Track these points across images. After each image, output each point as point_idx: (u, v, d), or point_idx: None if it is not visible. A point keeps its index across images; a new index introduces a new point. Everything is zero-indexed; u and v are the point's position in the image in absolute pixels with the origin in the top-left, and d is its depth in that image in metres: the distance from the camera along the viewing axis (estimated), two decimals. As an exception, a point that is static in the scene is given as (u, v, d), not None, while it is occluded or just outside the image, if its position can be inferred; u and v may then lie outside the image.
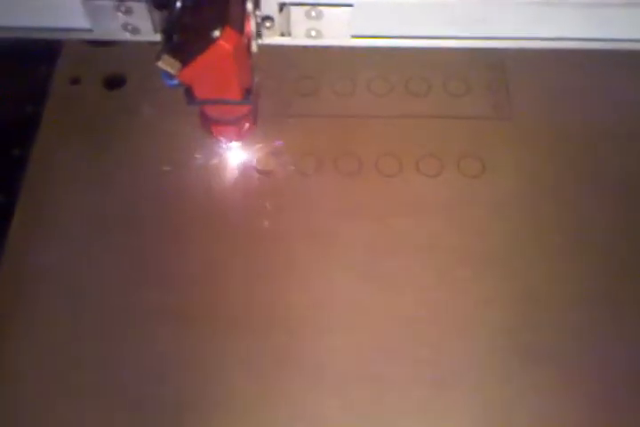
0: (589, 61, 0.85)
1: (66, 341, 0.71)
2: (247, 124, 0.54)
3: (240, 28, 0.42)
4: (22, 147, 0.81)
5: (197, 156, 0.79)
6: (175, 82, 0.43)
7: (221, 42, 0.41)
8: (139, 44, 0.85)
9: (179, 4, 0.42)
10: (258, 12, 0.45)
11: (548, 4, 0.46)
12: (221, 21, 0.41)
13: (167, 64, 0.42)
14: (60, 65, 0.88)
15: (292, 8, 0.45)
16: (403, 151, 0.83)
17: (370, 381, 0.70)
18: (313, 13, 0.46)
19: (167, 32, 0.42)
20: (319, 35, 0.47)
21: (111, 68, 0.88)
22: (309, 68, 0.88)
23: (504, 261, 0.76)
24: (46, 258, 0.75)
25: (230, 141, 0.60)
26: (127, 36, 0.48)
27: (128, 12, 0.46)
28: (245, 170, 0.81)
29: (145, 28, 0.47)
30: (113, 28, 0.47)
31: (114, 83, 0.88)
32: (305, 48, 0.50)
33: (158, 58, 0.42)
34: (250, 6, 0.43)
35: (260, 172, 0.81)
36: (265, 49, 0.49)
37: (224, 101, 0.48)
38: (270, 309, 0.73)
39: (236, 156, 0.80)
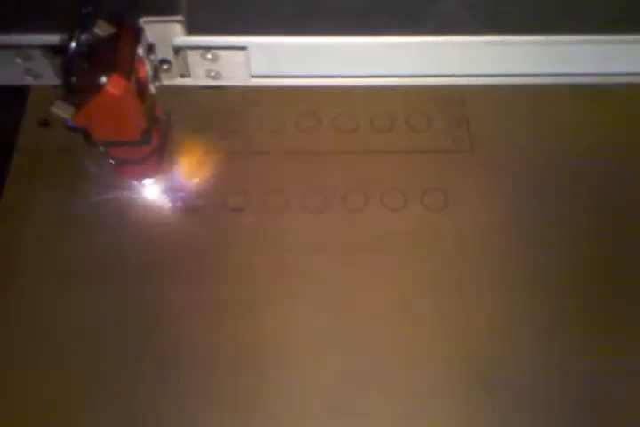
0: (545, 94, 0.87)
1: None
2: (154, 163, 0.55)
3: (128, 73, 0.43)
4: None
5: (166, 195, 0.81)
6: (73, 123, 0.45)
7: (108, 88, 0.42)
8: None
9: (73, 47, 0.43)
10: (152, 57, 0.47)
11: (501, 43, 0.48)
12: (109, 68, 0.42)
13: (60, 109, 0.44)
14: (29, 108, 0.91)
15: (188, 51, 0.46)
16: (368, 186, 0.85)
17: (342, 414, 0.71)
18: (209, 56, 0.46)
19: (65, 75, 0.44)
20: (218, 76, 0.48)
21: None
22: (273, 105, 0.90)
23: (468, 291, 0.77)
24: (17, 301, 0.77)
25: (138, 180, 0.62)
26: (30, 81, 0.49)
27: (27, 58, 0.47)
28: (216, 207, 0.83)
29: (47, 73, 0.48)
30: (16, 73, 0.48)
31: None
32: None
33: (52, 103, 0.43)
34: (141, 51, 0.45)
35: (231, 209, 0.83)
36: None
37: (123, 143, 0.49)
38: (241, 346, 0.74)
39: (204, 193, 0.82)
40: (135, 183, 0.65)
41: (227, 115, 0.89)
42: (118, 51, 0.43)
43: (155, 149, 0.53)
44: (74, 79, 0.43)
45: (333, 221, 0.82)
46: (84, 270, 0.78)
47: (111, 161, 0.55)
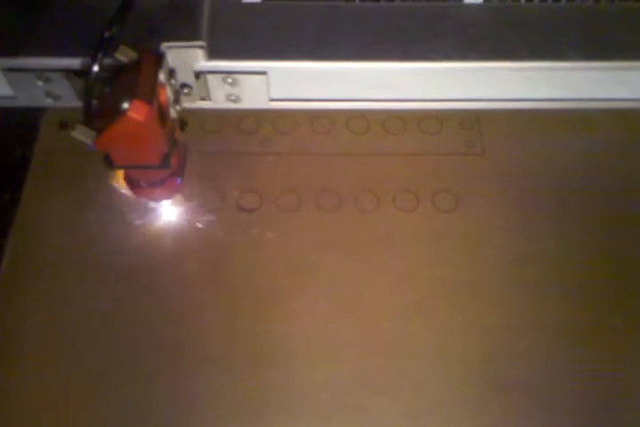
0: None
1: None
2: (171, 185, 0.56)
3: (150, 98, 0.43)
4: (11, 191, 0.84)
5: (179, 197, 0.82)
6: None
7: (130, 114, 0.42)
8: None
9: (95, 71, 0.43)
10: (173, 81, 0.47)
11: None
12: (130, 93, 0.42)
13: (81, 134, 0.44)
14: (49, 109, 0.90)
15: (209, 76, 0.47)
16: (380, 187, 0.86)
17: (351, 412, 0.72)
18: (229, 80, 0.47)
19: (86, 99, 0.44)
20: (238, 99, 0.49)
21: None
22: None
23: (479, 291, 0.78)
24: (34, 300, 0.78)
25: (156, 200, 0.63)
26: (50, 103, 0.50)
27: (48, 80, 0.47)
28: (230, 208, 0.84)
29: (66, 94, 0.49)
30: (35, 95, 0.49)
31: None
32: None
33: (73, 127, 0.43)
34: (162, 77, 0.45)
35: (244, 209, 0.84)
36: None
37: (142, 167, 0.50)
38: (253, 342, 0.75)
39: (219, 194, 0.84)
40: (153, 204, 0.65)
41: (241, 116, 0.91)
42: (140, 76, 0.44)
43: (173, 171, 0.53)
44: (95, 103, 0.44)
45: (346, 221, 0.84)
46: (98, 269, 0.80)
47: (127, 182, 0.55)
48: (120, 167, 0.50)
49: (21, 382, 0.73)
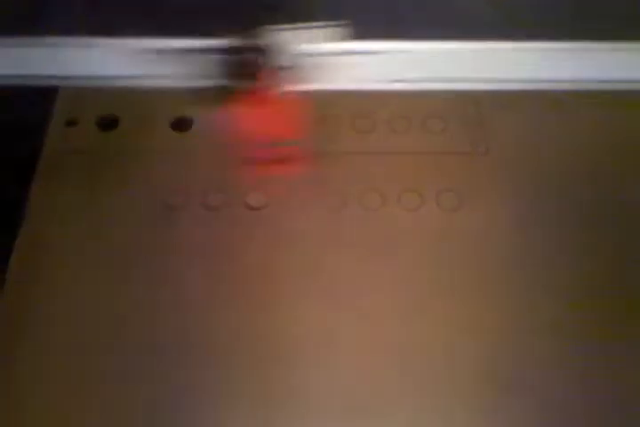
0: (562, 97, 0.87)
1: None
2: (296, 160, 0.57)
3: (292, 76, 0.46)
4: (19, 188, 0.85)
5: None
6: None
7: (279, 88, 0.47)
8: (129, 87, 0.89)
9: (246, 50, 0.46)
10: (292, 61, 0.49)
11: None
12: (277, 70, 0.46)
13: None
14: (57, 108, 0.93)
15: (328, 57, 0.51)
16: (385, 186, 0.86)
17: (355, 413, 0.72)
18: (346, 61, 0.50)
19: (239, 75, 0.47)
20: (353, 80, 0.51)
21: (105, 110, 0.93)
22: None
23: (484, 291, 0.78)
24: (41, 299, 0.79)
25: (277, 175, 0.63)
26: (199, 82, 0.51)
27: (196, 60, 0.50)
28: (236, 206, 0.85)
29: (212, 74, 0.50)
30: (188, 74, 0.52)
31: (108, 124, 0.92)
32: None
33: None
34: (288, 57, 0.48)
35: (250, 207, 0.85)
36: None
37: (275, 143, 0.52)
38: (258, 342, 0.75)
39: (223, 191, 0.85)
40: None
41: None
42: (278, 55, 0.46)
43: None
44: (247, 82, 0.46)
45: (350, 219, 0.84)
46: (104, 268, 0.80)
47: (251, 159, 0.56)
48: (261, 144, 0.52)
49: (28, 380, 0.74)
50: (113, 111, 0.93)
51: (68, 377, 0.74)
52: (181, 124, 0.92)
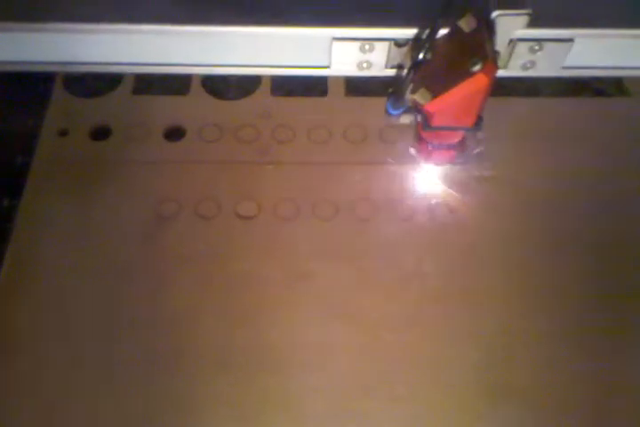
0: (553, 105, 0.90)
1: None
2: (460, 149, 0.58)
3: (495, 61, 0.45)
4: (11, 197, 0.84)
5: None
6: (397, 112, 0.48)
7: (481, 75, 0.44)
8: (122, 96, 0.89)
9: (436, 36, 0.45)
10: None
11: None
12: (482, 55, 0.44)
13: (421, 96, 0.46)
14: (49, 117, 0.92)
15: (519, 43, 0.49)
16: (376, 196, 0.87)
17: (348, 419, 0.72)
18: (536, 47, 0.49)
19: (412, 67, 0.46)
20: (533, 67, 0.51)
21: (97, 120, 0.92)
22: (285, 118, 0.93)
23: (475, 299, 0.79)
24: (31, 305, 0.78)
25: (441, 164, 0.64)
26: (356, 72, 0.51)
27: (370, 50, 0.49)
28: (227, 215, 0.85)
29: (379, 64, 0.50)
30: (349, 64, 0.50)
31: (100, 134, 0.92)
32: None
33: (414, 91, 0.46)
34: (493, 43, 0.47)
35: (240, 217, 0.85)
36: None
37: (456, 128, 0.52)
38: (251, 350, 0.76)
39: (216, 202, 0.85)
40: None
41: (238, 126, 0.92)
42: (486, 40, 0.45)
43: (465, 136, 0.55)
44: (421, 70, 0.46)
45: (342, 229, 0.84)
46: (95, 277, 0.80)
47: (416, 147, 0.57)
48: (434, 128, 0.51)
49: (20, 385, 0.74)
50: (105, 120, 0.92)
51: (56, 389, 0.73)
52: (174, 134, 0.92)
